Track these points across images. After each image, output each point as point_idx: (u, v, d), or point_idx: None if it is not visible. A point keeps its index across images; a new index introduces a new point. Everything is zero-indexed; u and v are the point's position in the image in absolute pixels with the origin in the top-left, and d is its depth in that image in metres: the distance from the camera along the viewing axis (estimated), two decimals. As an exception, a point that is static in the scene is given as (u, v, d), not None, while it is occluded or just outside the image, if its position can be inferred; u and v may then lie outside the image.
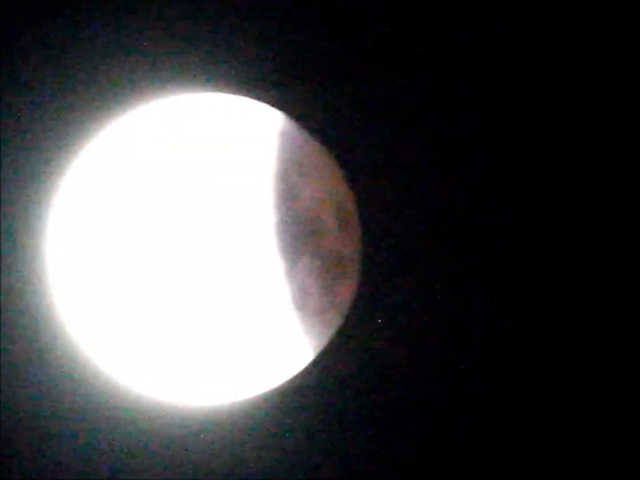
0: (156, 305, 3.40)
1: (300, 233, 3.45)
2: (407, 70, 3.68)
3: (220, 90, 3.59)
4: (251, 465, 3.58)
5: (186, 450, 3.54)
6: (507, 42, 3.68)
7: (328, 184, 3.55)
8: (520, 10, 3.65)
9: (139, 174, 3.42)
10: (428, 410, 3.69)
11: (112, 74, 3.58)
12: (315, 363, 3.55)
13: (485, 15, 3.66)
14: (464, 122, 3.70)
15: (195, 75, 3.59)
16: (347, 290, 3.55)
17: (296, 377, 3.55)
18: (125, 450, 3.55)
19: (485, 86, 3.69)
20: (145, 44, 3.59)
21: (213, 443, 3.55)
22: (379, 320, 3.67)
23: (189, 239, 3.39)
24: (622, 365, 3.71)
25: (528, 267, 3.71)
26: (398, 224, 3.64)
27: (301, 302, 3.45)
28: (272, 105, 3.58)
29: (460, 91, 3.68)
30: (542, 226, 3.70)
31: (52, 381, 3.53)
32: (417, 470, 3.67)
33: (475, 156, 3.70)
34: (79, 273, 3.44)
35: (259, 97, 3.58)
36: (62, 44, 3.55)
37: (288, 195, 3.47)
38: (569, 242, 3.71)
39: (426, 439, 3.69)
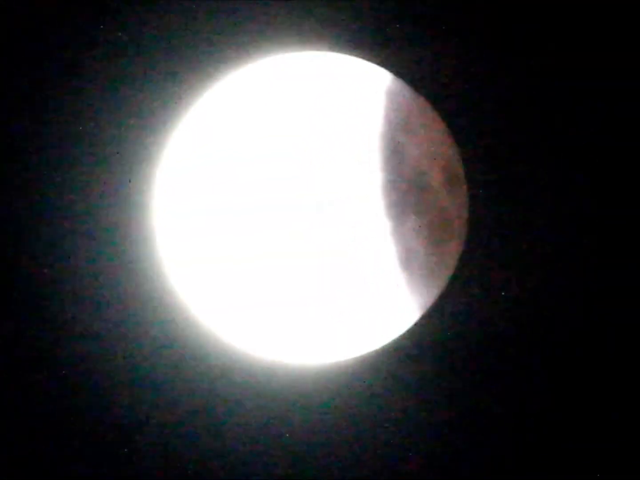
0: (263, 266, 3.42)
1: (407, 192, 3.42)
2: (516, 32, 3.60)
3: (327, 49, 3.57)
4: (354, 426, 3.59)
5: (290, 410, 3.57)
6: None
7: (435, 143, 3.50)
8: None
9: (244, 134, 3.43)
10: (531, 379, 3.64)
11: (219, 32, 3.60)
12: (420, 323, 3.53)
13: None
14: (578, 89, 3.61)
15: (305, 34, 3.58)
16: (453, 250, 3.51)
17: (401, 337, 3.54)
18: (235, 409, 3.60)
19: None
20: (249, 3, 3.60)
21: (318, 402, 3.57)
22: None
23: (296, 198, 3.39)
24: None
25: None
26: (505, 183, 3.58)
27: (407, 261, 3.42)
28: (379, 64, 3.55)
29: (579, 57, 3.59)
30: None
31: (162, 343, 3.60)
32: (515, 429, 3.64)
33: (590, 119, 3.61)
34: (184, 234, 3.49)
35: (365, 56, 3.55)
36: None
37: (395, 154, 3.44)
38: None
39: (527, 407, 3.65)
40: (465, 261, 3.53)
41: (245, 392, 3.57)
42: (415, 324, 3.53)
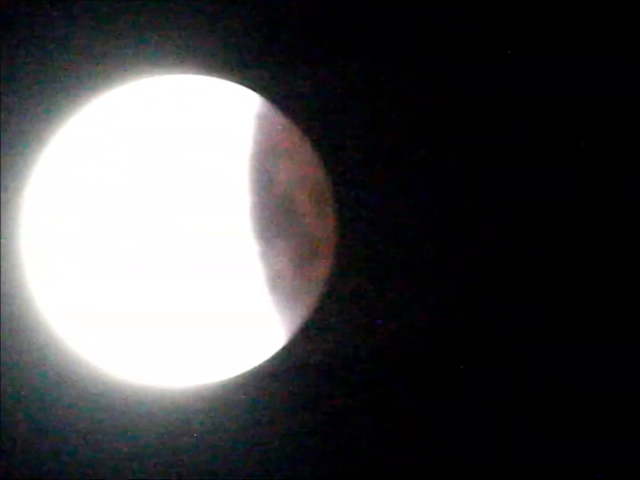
0: (128, 288, 3.38)
1: (274, 215, 3.43)
2: (388, 52, 3.66)
3: (196, 72, 3.56)
4: (220, 447, 3.56)
5: (151, 433, 3.52)
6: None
7: (303, 167, 3.53)
8: None
9: (109, 159, 3.39)
10: (405, 398, 3.68)
11: (82, 56, 3.55)
12: (288, 347, 3.53)
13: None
14: (447, 108, 3.69)
15: (170, 57, 3.56)
16: (321, 273, 3.53)
17: (269, 360, 3.53)
18: (100, 432, 3.53)
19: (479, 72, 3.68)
20: (118, 24, 3.55)
21: (182, 426, 3.53)
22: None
23: (162, 222, 3.36)
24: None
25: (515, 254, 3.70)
26: (374, 208, 3.62)
27: (274, 284, 3.43)
28: (247, 87, 3.56)
29: (448, 77, 3.67)
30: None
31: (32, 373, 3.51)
32: (387, 454, 3.66)
33: (458, 140, 3.69)
34: (53, 258, 3.42)
35: (234, 79, 3.55)
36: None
37: (263, 177, 3.44)
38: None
39: (403, 427, 3.69)
40: (333, 283, 3.55)
41: (104, 413, 3.51)
42: (283, 347, 3.53)
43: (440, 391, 3.68)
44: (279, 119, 3.55)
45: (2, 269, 3.48)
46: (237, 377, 3.51)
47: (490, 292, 3.71)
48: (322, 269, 3.53)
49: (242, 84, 3.52)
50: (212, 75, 3.53)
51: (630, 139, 3.73)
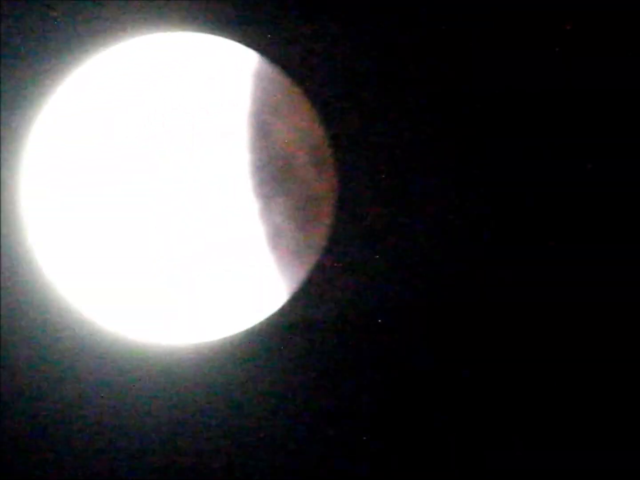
0: (132, 246, 3.39)
1: (274, 173, 3.44)
2: (390, 8, 3.64)
3: (194, 30, 3.54)
4: (220, 404, 3.59)
5: (157, 391, 3.54)
6: None
7: (302, 124, 3.52)
8: None
9: (109, 115, 3.38)
10: (405, 355, 3.70)
11: (83, 13, 3.53)
12: (288, 304, 3.55)
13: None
14: (447, 64, 3.67)
15: (169, 14, 3.54)
16: (320, 230, 3.54)
17: (270, 318, 3.55)
18: (107, 390, 3.56)
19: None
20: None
21: (185, 383, 3.55)
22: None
23: (162, 178, 3.37)
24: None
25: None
26: (372, 163, 3.62)
27: (275, 242, 3.44)
28: (246, 45, 3.54)
29: (447, 33, 3.65)
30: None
31: (34, 327, 3.52)
32: (386, 412, 3.69)
33: (457, 98, 3.68)
34: (53, 210, 3.42)
35: (233, 37, 3.54)
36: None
37: (262, 135, 3.44)
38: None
39: (401, 385, 3.71)
40: (333, 241, 3.56)
41: (112, 373, 3.53)
42: (284, 305, 3.55)
43: (444, 347, 3.70)
44: (278, 77, 3.54)
45: (6, 234, 3.49)
46: (239, 334, 3.53)
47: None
48: (322, 226, 3.54)
49: (241, 42, 3.51)
50: (211, 33, 3.51)
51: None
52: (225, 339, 3.53)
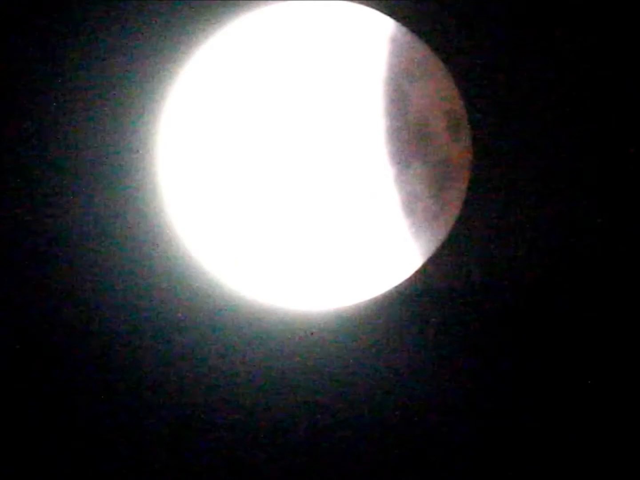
0: (265, 211, 3.45)
1: (410, 138, 3.44)
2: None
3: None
4: (354, 372, 3.62)
5: (289, 355, 3.60)
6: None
7: (438, 90, 3.51)
8: None
9: (247, 81, 3.44)
10: (536, 327, 3.66)
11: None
12: (424, 269, 3.55)
13: None
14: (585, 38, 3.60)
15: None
16: (457, 196, 3.52)
17: (405, 282, 3.56)
18: (232, 353, 3.63)
19: None
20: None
21: (321, 348, 3.59)
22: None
23: (297, 144, 3.41)
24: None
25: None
26: (509, 130, 3.58)
27: (410, 207, 3.45)
28: (382, 11, 3.54)
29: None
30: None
31: (160, 282, 3.61)
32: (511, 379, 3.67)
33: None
34: (188, 176, 3.51)
35: (368, 4, 3.54)
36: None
37: (398, 100, 3.45)
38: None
39: (530, 356, 3.68)
40: (469, 207, 3.54)
41: (243, 336, 3.60)
42: (419, 270, 3.55)
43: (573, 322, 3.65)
44: (414, 43, 3.54)
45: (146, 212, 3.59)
46: (373, 299, 3.56)
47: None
48: (457, 192, 3.53)
49: (378, 9, 3.51)
50: (346, 0, 3.53)
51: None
52: (360, 303, 3.56)
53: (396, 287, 3.56)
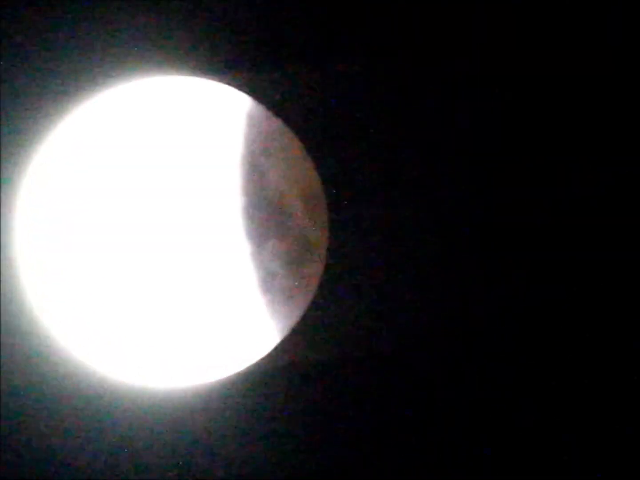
0: (122, 289, 3.38)
1: (267, 215, 3.44)
2: (374, 53, 3.67)
3: (187, 73, 3.56)
4: (215, 446, 3.57)
5: (147, 432, 3.53)
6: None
7: (295, 167, 3.54)
8: None
9: (103, 158, 3.40)
10: (399, 398, 3.69)
11: (76, 58, 3.54)
12: (281, 346, 3.54)
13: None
14: (437, 106, 3.69)
15: (162, 58, 3.56)
16: (314, 273, 3.54)
17: (262, 360, 3.54)
18: (92, 433, 3.54)
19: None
20: (113, 25, 3.55)
21: (175, 426, 3.53)
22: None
23: (155, 222, 3.37)
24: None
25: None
26: (365, 207, 3.63)
27: (267, 285, 3.44)
28: (237, 88, 3.56)
29: (437, 76, 3.68)
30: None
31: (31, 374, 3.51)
32: (381, 452, 3.68)
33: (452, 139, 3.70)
34: (47, 259, 3.42)
35: (224, 80, 3.56)
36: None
37: (254, 178, 3.45)
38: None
39: (394, 426, 3.70)
40: (326, 283, 3.56)
41: (97, 414, 3.51)
42: (276, 347, 3.54)
43: (435, 391, 3.69)
44: (271, 120, 3.56)
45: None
46: (231, 376, 3.52)
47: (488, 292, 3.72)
48: (315, 269, 3.54)
49: (234, 85, 3.53)
50: (203, 77, 3.53)
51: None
52: (218, 381, 3.51)
53: (253, 364, 3.53)
